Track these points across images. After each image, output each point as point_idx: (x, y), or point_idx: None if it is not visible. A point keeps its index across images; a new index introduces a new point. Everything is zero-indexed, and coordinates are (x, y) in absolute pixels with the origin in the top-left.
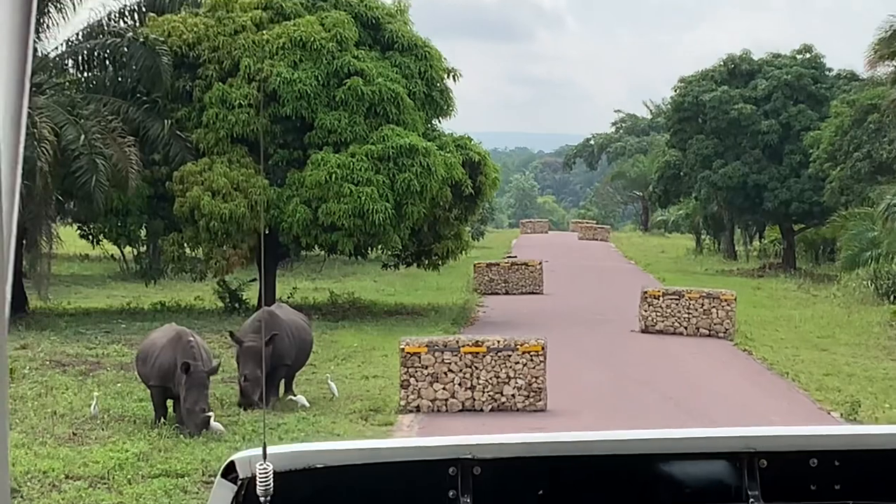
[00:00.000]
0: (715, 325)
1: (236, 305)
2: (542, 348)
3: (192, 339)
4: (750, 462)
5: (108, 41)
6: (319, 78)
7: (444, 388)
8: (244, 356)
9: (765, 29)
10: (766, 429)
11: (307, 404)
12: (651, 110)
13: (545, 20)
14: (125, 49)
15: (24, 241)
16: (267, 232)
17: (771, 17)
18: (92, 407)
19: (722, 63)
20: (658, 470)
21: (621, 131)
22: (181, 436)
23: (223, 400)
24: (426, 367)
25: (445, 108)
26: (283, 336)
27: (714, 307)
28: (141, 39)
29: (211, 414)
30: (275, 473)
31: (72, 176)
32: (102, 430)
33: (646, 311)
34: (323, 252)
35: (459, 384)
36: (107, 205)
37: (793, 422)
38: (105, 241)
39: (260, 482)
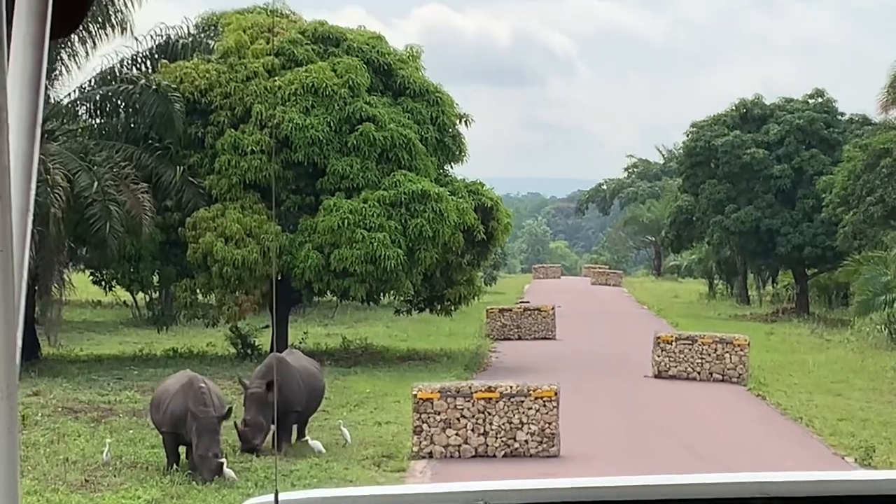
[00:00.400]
0: (728, 370)
1: (249, 351)
2: (555, 394)
3: (203, 385)
4: None
5: (121, 88)
6: (331, 124)
7: (456, 434)
8: (248, 402)
9: (775, 74)
10: (780, 474)
11: (323, 450)
12: (663, 155)
13: (556, 66)
14: (138, 95)
15: (36, 288)
16: (279, 278)
17: (781, 62)
18: (104, 454)
19: (734, 107)
20: None
21: (633, 176)
22: (193, 482)
23: (235, 447)
24: (439, 413)
25: (457, 153)
26: (292, 382)
27: (727, 352)
28: (154, 86)
29: (223, 460)
30: None
31: (84, 222)
32: (115, 476)
33: (659, 356)
34: (335, 298)
35: (472, 430)
36: (119, 251)
37: (807, 467)
38: (117, 287)
39: None
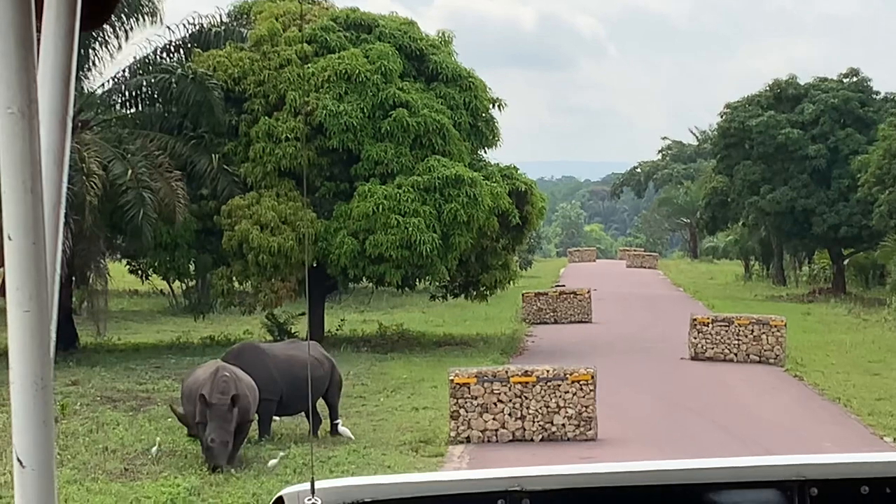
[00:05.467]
0: (765, 351)
1: (285, 339)
2: (592, 377)
3: (227, 373)
4: (801, 490)
5: (157, 77)
6: (365, 110)
7: (493, 419)
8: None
9: (802, 54)
10: (817, 456)
11: (351, 437)
12: (697, 137)
13: (586, 49)
14: (173, 84)
15: (73, 278)
16: (315, 264)
17: (808, 41)
18: (154, 451)
19: (768, 88)
20: (709, 499)
21: (668, 158)
22: (232, 470)
23: (274, 434)
24: (476, 398)
25: (491, 138)
26: (261, 370)
27: (764, 333)
28: (190, 75)
29: (228, 443)
30: None
31: (120, 210)
32: (154, 465)
33: (695, 338)
34: (371, 284)
35: (509, 414)
36: (155, 239)
37: (845, 448)
38: (154, 276)
39: None
